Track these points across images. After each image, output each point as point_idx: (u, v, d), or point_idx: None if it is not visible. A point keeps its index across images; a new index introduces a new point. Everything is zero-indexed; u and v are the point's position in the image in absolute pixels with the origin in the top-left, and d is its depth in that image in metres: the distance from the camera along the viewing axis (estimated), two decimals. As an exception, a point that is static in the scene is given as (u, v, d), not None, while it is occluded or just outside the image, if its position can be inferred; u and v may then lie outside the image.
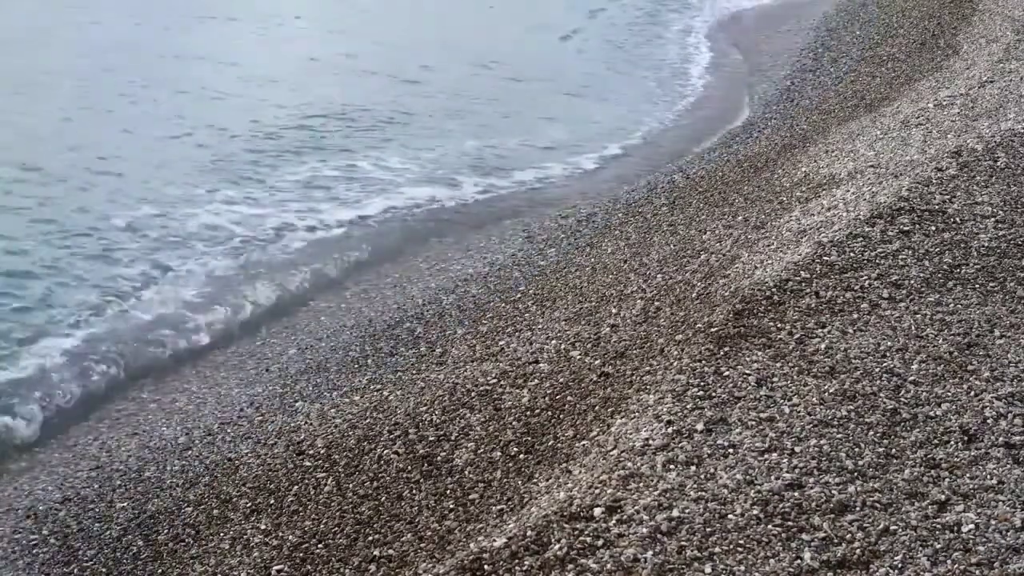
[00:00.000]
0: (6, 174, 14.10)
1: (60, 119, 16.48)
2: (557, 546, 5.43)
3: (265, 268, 12.40)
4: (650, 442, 6.23)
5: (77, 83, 18.24)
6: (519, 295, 10.99)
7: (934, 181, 9.93)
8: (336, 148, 16.32)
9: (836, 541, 5.37)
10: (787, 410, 6.47)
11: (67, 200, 13.50)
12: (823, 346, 7.18)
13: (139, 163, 14.97)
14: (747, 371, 6.92)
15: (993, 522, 5.50)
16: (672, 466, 5.96)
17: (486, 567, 5.46)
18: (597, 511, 5.65)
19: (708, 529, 5.44)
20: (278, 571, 7.09)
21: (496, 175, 15.70)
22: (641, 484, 5.84)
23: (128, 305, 11.24)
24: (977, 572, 5.19)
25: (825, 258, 8.48)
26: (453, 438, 7.99)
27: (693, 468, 5.93)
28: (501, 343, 9.69)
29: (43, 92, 17.66)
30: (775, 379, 6.82)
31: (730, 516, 5.54)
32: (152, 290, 11.61)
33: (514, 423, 7.90)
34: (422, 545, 6.83)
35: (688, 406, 6.56)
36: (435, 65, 20.94)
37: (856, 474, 5.87)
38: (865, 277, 8.15)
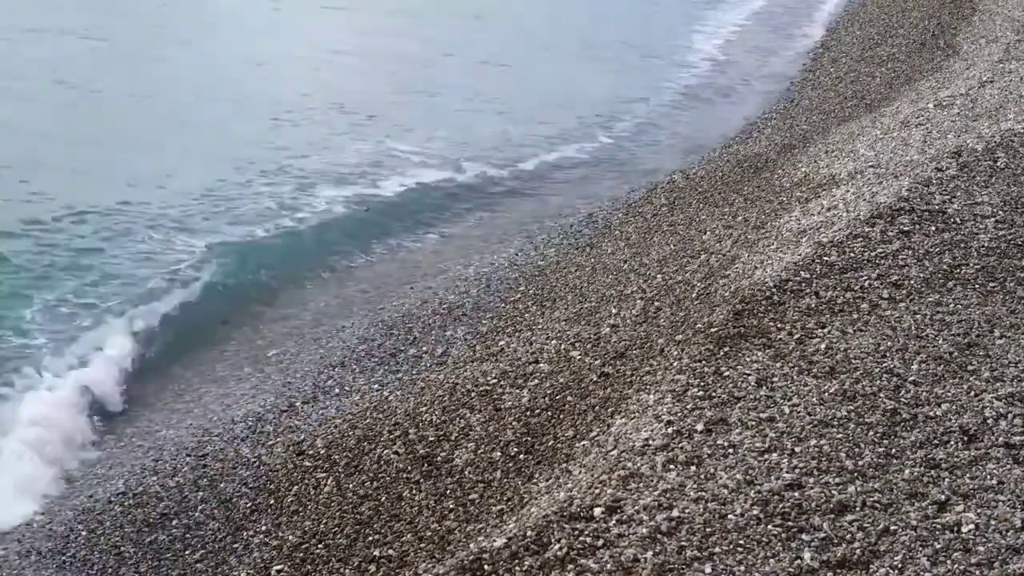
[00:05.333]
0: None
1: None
2: (557, 546, 5.43)
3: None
4: (650, 442, 6.23)
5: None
6: (519, 295, 10.99)
7: (934, 181, 9.93)
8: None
9: (836, 541, 5.37)
10: (787, 410, 6.46)
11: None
12: (823, 346, 7.18)
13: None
14: (747, 371, 6.92)
15: (993, 522, 5.50)
16: (672, 466, 5.96)
17: (486, 567, 5.45)
18: (597, 511, 5.65)
19: (708, 529, 5.44)
20: (278, 571, 7.09)
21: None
22: (641, 484, 5.84)
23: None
24: (977, 572, 5.19)
25: (825, 258, 8.48)
26: (453, 438, 7.99)
27: (693, 468, 5.93)
28: (501, 343, 9.69)
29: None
30: (775, 379, 6.82)
31: (730, 516, 5.53)
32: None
33: (514, 423, 7.90)
34: (422, 545, 6.83)
35: (688, 406, 6.55)
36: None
37: (856, 474, 5.87)
38: (865, 277, 8.14)
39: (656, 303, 9.30)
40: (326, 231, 13.55)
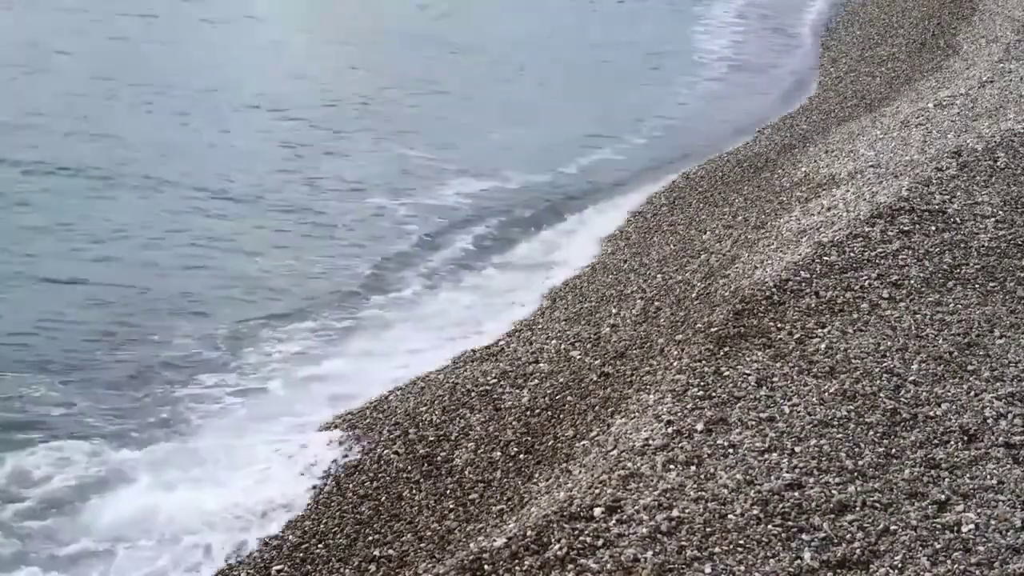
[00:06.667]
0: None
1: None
2: (557, 546, 5.44)
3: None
4: (650, 442, 6.23)
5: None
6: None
7: (934, 181, 9.93)
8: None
9: (836, 541, 5.37)
10: (787, 410, 6.47)
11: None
12: (823, 346, 7.19)
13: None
14: (747, 371, 6.92)
15: (993, 522, 5.50)
16: (672, 466, 5.96)
17: (486, 567, 5.46)
18: (597, 511, 5.65)
19: (708, 529, 5.45)
20: (278, 571, 7.09)
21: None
22: (641, 484, 5.84)
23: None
24: (977, 572, 5.19)
25: (825, 258, 8.49)
26: (453, 438, 7.99)
27: (693, 468, 5.93)
28: (501, 343, 9.69)
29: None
30: (775, 379, 6.82)
31: (730, 516, 5.54)
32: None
33: (514, 423, 7.90)
34: (422, 545, 6.83)
35: (688, 406, 6.56)
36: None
37: (856, 474, 5.87)
38: (865, 277, 8.15)
39: (656, 303, 9.31)
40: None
